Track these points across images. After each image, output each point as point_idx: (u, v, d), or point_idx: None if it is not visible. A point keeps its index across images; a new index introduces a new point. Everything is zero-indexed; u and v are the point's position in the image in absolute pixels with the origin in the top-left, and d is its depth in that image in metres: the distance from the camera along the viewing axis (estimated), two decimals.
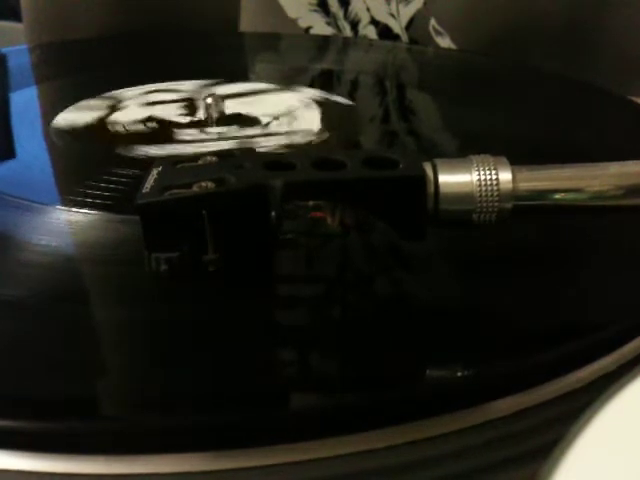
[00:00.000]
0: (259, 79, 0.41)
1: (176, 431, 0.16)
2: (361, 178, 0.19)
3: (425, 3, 0.50)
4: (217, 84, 0.37)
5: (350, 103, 0.36)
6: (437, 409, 0.16)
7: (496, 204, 0.19)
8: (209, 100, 0.32)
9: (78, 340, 0.18)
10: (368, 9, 0.52)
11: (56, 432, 0.16)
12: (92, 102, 0.35)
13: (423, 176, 0.19)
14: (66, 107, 0.34)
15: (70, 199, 0.25)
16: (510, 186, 0.19)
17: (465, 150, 0.20)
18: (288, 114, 0.34)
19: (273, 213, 0.19)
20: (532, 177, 0.20)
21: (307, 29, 0.54)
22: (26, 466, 0.15)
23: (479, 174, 0.19)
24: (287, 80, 0.39)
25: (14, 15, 0.70)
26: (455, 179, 0.19)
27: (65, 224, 0.24)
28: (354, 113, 0.36)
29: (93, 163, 0.29)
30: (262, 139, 0.31)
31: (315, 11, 0.53)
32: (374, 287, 0.21)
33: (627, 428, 0.12)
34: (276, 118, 0.33)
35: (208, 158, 0.20)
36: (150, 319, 0.19)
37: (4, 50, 0.46)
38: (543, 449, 0.11)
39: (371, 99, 0.38)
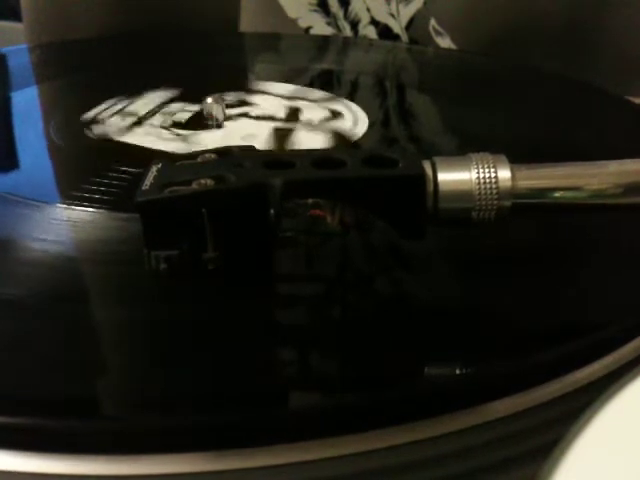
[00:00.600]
0: (258, 79, 0.41)
1: (176, 431, 0.16)
2: (361, 177, 0.19)
3: (425, 3, 0.50)
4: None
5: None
6: (437, 409, 0.16)
7: (495, 202, 0.19)
8: (209, 100, 0.32)
9: (78, 340, 0.18)
10: (368, 9, 0.52)
11: (56, 432, 0.15)
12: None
13: (422, 175, 0.19)
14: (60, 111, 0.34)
15: (70, 198, 0.25)
16: (509, 184, 0.19)
17: (465, 150, 0.20)
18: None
19: (272, 211, 0.19)
20: (531, 175, 0.20)
21: (307, 29, 0.54)
22: (26, 466, 0.15)
23: (478, 172, 0.19)
24: (285, 80, 0.39)
25: (14, 15, 0.70)
26: (454, 177, 0.19)
27: (65, 223, 0.24)
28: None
29: (93, 162, 0.29)
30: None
31: (315, 11, 0.53)
32: (374, 286, 0.21)
33: (627, 428, 0.12)
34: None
35: (207, 156, 0.20)
36: (150, 319, 0.19)
37: (4, 50, 0.46)
38: (543, 449, 0.11)
39: (371, 99, 0.38)
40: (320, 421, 0.16)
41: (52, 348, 0.18)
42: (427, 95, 0.40)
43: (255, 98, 0.36)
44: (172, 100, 0.35)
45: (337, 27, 0.53)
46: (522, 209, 0.20)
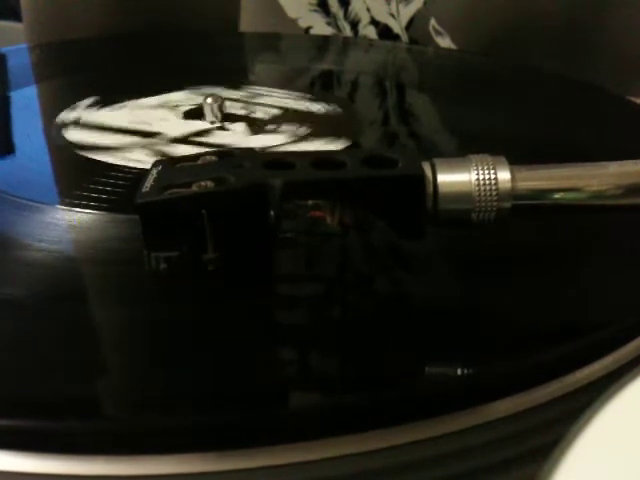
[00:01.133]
0: (258, 79, 0.41)
1: (176, 431, 0.16)
2: (360, 177, 0.19)
3: (425, 3, 0.50)
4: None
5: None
6: (437, 409, 0.16)
7: (495, 203, 0.19)
8: (209, 100, 0.32)
9: (78, 340, 0.18)
10: (368, 9, 0.52)
11: (56, 432, 0.15)
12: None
13: (422, 175, 0.19)
14: (60, 111, 0.34)
15: (70, 198, 0.25)
16: (509, 185, 0.19)
17: (465, 150, 0.20)
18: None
19: (272, 212, 0.19)
20: (531, 176, 0.20)
21: (307, 29, 0.54)
22: (26, 466, 0.15)
23: (478, 174, 0.19)
24: (285, 80, 0.39)
25: (14, 15, 0.70)
26: (454, 178, 0.19)
27: (65, 223, 0.24)
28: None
29: (93, 162, 0.29)
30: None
31: (315, 11, 0.53)
32: (374, 286, 0.21)
33: (627, 428, 0.12)
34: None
35: (207, 157, 0.20)
36: (150, 319, 0.19)
37: (4, 50, 0.46)
38: (543, 449, 0.11)
39: (371, 99, 0.38)
40: (320, 421, 0.16)
41: (52, 348, 0.18)
42: (427, 95, 0.40)
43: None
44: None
45: (337, 27, 0.53)
46: (522, 210, 0.20)
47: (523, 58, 0.46)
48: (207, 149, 0.22)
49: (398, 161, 0.20)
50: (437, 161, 0.20)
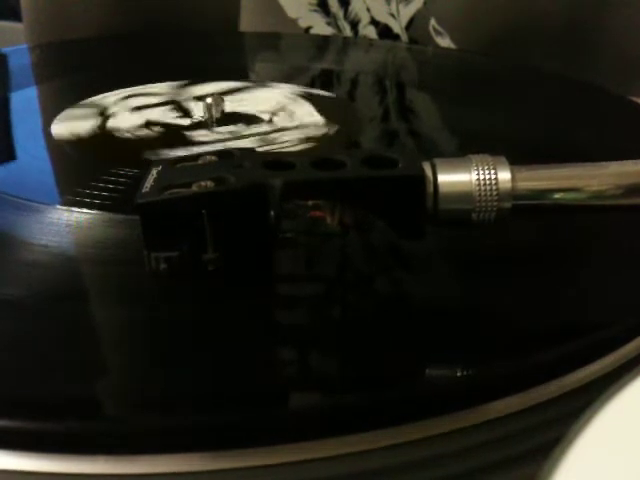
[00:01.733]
0: (257, 78, 0.41)
1: (176, 431, 0.16)
2: (360, 177, 0.19)
3: (425, 3, 0.50)
4: (189, 85, 0.37)
5: (333, 95, 0.37)
6: (437, 409, 0.16)
7: (495, 203, 0.19)
8: (209, 100, 0.32)
9: (78, 340, 0.18)
10: (368, 9, 0.52)
11: (56, 432, 0.15)
12: (77, 111, 0.34)
13: (422, 175, 0.19)
14: (60, 111, 0.33)
15: (70, 199, 0.25)
16: (509, 185, 0.19)
17: (465, 150, 0.20)
18: (283, 109, 0.34)
19: (272, 212, 0.19)
20: (531, 176, 0.20)
21: (307, 29, 0.54)
22: (26, 466, 0.15)
23: (478, 174, 0.19)
24: (285, 79, 0.39)
25: (14, 15, 0.70)
26: (454, 179, 0.19)
27: (65, 224, 0.24)
28: (347, 106, 0.36)
29: (93, 162, 0.29)
30: (277, 134, 0.31)
31: (315, 11, 0.53)
32: (374, 287, 0.21)
33: (627, 428, 0.12)
34: (274, 114, 0.33)
35: (208, 157, 0.20)
36: (150, 319, 0.19)
37: (4, 50, 0.46)
38: (543, 449, 0.11)
39: (371, 99, 0.38)
40: (320, 421, 0.16)
41: (52, 348, 0.18)
42: (427, 95, 0.40)
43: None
44: (156, 104, 0.35)
45: (337, 27, 0.53)
46: (522, 210, 0.20)
47: (523, 58, 0.46)
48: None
49: (398, 161, 0.20)
50: (437, 161, 0.20)
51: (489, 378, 0.17)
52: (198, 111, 0.33)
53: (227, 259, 0.19)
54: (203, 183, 0.19)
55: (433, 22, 0.50)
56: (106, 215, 0.24)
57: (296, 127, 0.32)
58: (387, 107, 0.37)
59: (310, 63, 0.46)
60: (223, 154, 0.21)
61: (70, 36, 0.53)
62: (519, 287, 0.21)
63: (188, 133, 0.31)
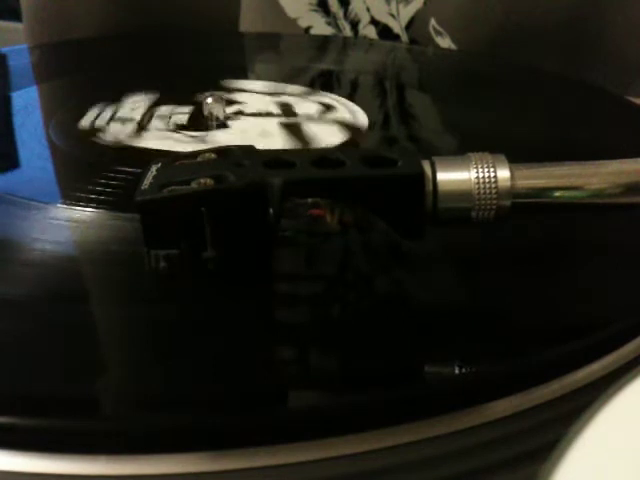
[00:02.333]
0: (257, 79, 0.41)
1: (176, 431, 0.16)
2: (360, 176, 0.19)
3: (425, 3, 0.50)
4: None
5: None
6: (437, 409, 0.16)
7: (494, 202, 0.19)
8: (209, 100, 0.32)
9: (78, 340, 0.18)
10: (368, 9, 0.52)
11: (56, 432, 0.15)
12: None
13: (421, 174, 0.19)
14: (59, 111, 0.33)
15: (70, 198, 0.25)
16: (508, 184, 0.19)
17: (465, 150, 0.20)
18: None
19: (271, 211, 0.19)
20: (530, 175, 0.20)
21: (307, 29, 0.54)
22: (26, 466, 0.15)
23: (477, 172, 0.19)
24: (285, 80, 0.39)
25: (14, 15, 0.70)
26: (453, 177, 0.19)
27: (65, 223, 0.23)
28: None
29: (93, 162, 0.29)
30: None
31: (315, 11, 0.53)
32: (373, 286, 0.21)
33: (627, 428, 0.12)
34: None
35: (207, 155, 0.20)
36: (150, 319, 0.19)
37: (4, 50, 0.46)
38: (543, 449, 0.11)
39: (371, 99, 0.38)
40: (320, 421, 0.16)
41: (52, 348, 0.18)
42: (427, 95, 0.40)
43: (238, 96, 0.36)
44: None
45: (337, 27, 0.53)
46: (521, 209, 0.20)
47: (523, 58, 0.46)
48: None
49: (397, 160, 0.20)
50: (437, 159, 0.20)
51: (489, 378, 0.17)
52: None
53: (226, 257, 0.19)
54: (202, 181, 0.19)
55: (433, 22, 0.50)
56: (106, 214, 0.24)
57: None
58: (387, 107, 0.37)
59: (310, 63, 0.46)
60: (222, 152, 0.21)
61: (70, 36, 0.53)
62: (519, 287, 0.21)
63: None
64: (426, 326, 0.19)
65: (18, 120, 0.34)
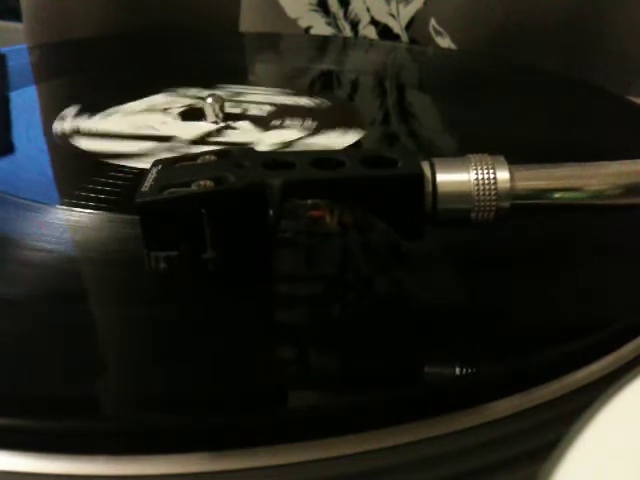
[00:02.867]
0: (258, 79, 0.41)
1: (176, 431, 0.16)
2: (359, 177, 0.19)
3: (425, 3, 0.50)
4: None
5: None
6: (437, 409, 0.16)
7: (494, 203, 0.19)
8: (209, 100, 0.32)
9: (78, 340, 0.18)
10: (368, 9, 0.52)
11: (56, 432, 0.15)
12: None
13: (421, 175, 0.19)
14: (59, 111, 0.33)
15: (70, 199, 0.25)
16: (508, 185, 0.19)
17: (465, 150, 0.20)
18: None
19: (271, 212, 0.19)
20: (530, 176, 0.20)
21: (307, 29, 0.54)
22: (26, 466, 0.15)
23: (477, 173, 0.19)
24: (285, 80, 0.39)
25: (14, 15, 0.70)
26: (453, 178, 0.19)
27: (65, 224, 0.24)
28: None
29: (93, 162, 0.29)
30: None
31: (315, 11, 0.53)
32: (373, 286, 0.21)
33: (627, 428, 0.12)
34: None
35: (207, 157, 0.20)
36: (150, 319, 0.19)
37: (4, 50, 0.46)
38: (543, 449, 0.11)
39: (371, 99, 0.38)
40: (320, 421, 0.16)
41: (52, 348, 0.18)
42: (427, 95, 0.40)
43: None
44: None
45: (337, 27, 0.53)
46: (521, 210, 0.20)
47: (523, 58, 0.46)
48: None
49: (397, 161, 0.20)
50: (436, 160, 0.20)
51: (489, 378, 0.17)
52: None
53: (226, 258, 0.19)
54: (202, 182, 0.19)
55: (433, 22, 0.50)
56: (106, 215, 0.24)
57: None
58: (387, 107, 0.37)
59: (310, 63, 0.46)
60: (222, 153, 0.21)
61: (70, 36, 0.53)
62: (519, 287, 0.21)
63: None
64: (426, 326, 0.19)
65: (18, 120, 0.34)
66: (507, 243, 0.23)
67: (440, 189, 0.19)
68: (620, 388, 0.12)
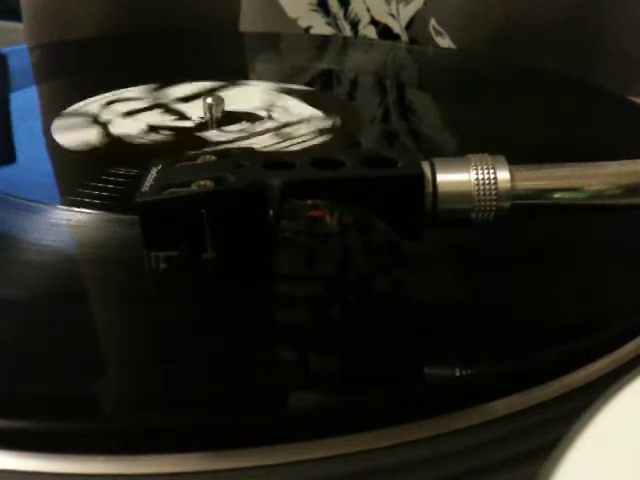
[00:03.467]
0: (257, 79, 0.41)
1: (176, 431, 0.16)
2: (359, 177, 0.19)
3: (425, 3, 0.50)
4: (163, 87, 0.36)
5: (312, 89, 0.37)
6: (437, 409, 0.16)
7: (494, 203, 0.19)
8: (210, 100, 0.32)
9: (78, 340, 0.18)
10: (368, 9, 0.52)
11: (56, 432, 0.15)
12: (69, 120, 0.32)
13: (421, 175, 0.19)
14: (60, 111, 0.33)
15: (70, 199, 0.25)
16: (508, 185, 0.19)
17: (465, 150, 0.20)
18: (274, 105, 0.34)
19: (271, 212, 0.19)
20: (530, 176, 0.20)
21: (307, 29, 0.54)
22: (26, 466, 0.15)
23: (477, 173, 0.19)
24: (285, 80, 0.39)
25: (14, 15, 0.70)
26: (453, 178, 0.19)
27: (65, 224, 0.24)
28: (332, 98, 0.36)
29: (93, 162, 0.29)
30: (289, 129, 0.31)
31: (315, 11, 0.53)
32: (373, 286, 0.21)
33: (627, 428, 0.12)
34: (269, 110, 0.33)
35: (207, 157, 0.20)
36: (150, 319, 0.19)
37: (4, 50, 0.46)
38: (543, 449, 0.11)
39: (371, 99, 0.38)
40: (320, 421, 0.16)
41: (52, 348, 0.18)
42: (427, 95, 0.40)
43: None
44: (144, 108, 0.35)
45: (337, 27, 0.53)
46: (521, 210, 0.20)
47: (523, 58, 0.45)
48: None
49: (397, 161, 0.20)
50: (436, 161, 0.20)
51: (489, 378, 0.17)
52: (193, 112, 0.33)
53: (226, 258, 0.19)
54: (202, 182, 0.19)
55: (433, 22, 0.50)
56: (106, 215, 0.24)
57: (299, 121, 0.32)
58: (387, 107, 0.37)
59: (310, 63, 0.46)
60: (222, 154, 0.21)
61: (70, 36, 0.53)
62: (519, 287, 0.21)
63: (200, 134, 0.31)
64: (426, 326, 0.19)
65: (18, 120, 0.34)
66: (507, 243, 0.23)
67: (440, 189, 0.19)
68: (620, 388, 0.12)
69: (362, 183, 0.19)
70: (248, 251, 0.19)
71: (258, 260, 0.20)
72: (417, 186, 0.19)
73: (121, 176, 0.26)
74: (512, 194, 0.19)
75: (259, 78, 0.42)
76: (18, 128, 0.33)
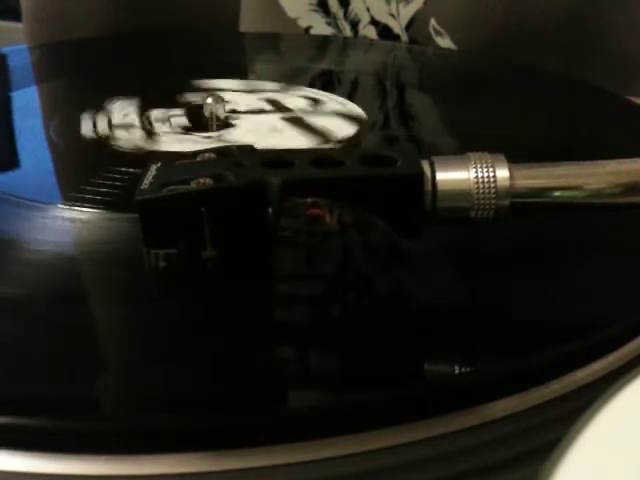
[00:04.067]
0: (257, 79, 0.41)
1: (176, 431, 0.16)
2: (359, 176, 0.19)
3: (425, 3, 0.50)
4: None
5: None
6: (437, 409, 0.16)
7: (493, 202, 0.19)
8: (210, 100, 0.32)
9: (78, 340, 0.18)
10: (368, 9, 0.52)
11: (56, 432, 0.15)
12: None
13: (421, 173, 0.19)
14: (59, 111, 0.33)
15: (70, 198, 0.25)
16: (507, 183, 0.19)
17: (465, 150, 0.20)
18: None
19: (271, 210, 0.19)
20: (530, 174, 0.20)
21: (307, 29, 0.54)
22: (26, 466, 0.15)
23: (476, 171, 0.19)
24: (285, 80, 0.39)
25: (14, 15, 0.70)
26: (452, 176, 0.19)
27: (66, 223, 0.23)
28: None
29: (93, 162, 0.29)
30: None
31: (315, 11, 0.53)
32: (373, 286, 0.21)
33: (627, 428, 0.12)
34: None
35: (207, 155, 0.20)
36: (150, 318, 0.19)
37: (4, 50, 0.46)
38: (543, 449, 0.11)
39: (371, 99, 0.38)
40: (320, 421, 0.16)
41: (52, 348, 0.18)
42: (427, 95, 0.40)
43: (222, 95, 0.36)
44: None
45: (337, 27, 0.53)
46: (521, 208, 0.20)
47: (523, 58, 0.45)
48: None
49: (397, 160, 0.20)
50: (436, 159, 0.20)
51: (489, 378, 0.17)
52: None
53: (226, 257, 0.19)
54: (202, 180, 0.19)
55: (433, 22, 0.50)
56: (106, 214, 0.24)
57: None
58: (387, 107, 0.37)
59: (310, 63, 0.46)
60: (222, 152, 0.21)
61: (70, 36, 0.53)
62: (519, 287, 0.21)
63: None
64: (426, 326, 0.19)
65: (18, 120, 0.34)
66: (507, 243, 0.23)
67: (440, 187, 0.19)
68: (620, 388, 0.12)
69: (361, 182, 0.19)
70: (248, 249, 0.19)
71: (257, 259, 0.20)
72: (416, 185, 0.19)
73: (122, 171, 0.26)
74: (511, 192, 0.19)
75: (259, 78, 0.42)
76: (18, 128, 0.33)
